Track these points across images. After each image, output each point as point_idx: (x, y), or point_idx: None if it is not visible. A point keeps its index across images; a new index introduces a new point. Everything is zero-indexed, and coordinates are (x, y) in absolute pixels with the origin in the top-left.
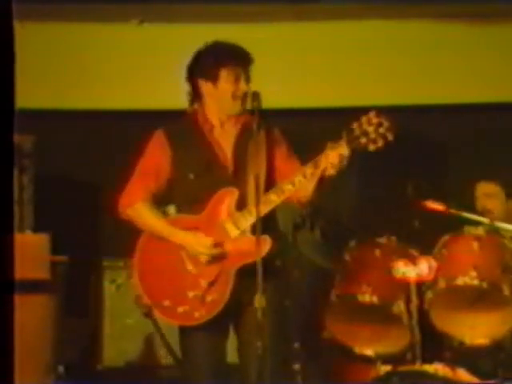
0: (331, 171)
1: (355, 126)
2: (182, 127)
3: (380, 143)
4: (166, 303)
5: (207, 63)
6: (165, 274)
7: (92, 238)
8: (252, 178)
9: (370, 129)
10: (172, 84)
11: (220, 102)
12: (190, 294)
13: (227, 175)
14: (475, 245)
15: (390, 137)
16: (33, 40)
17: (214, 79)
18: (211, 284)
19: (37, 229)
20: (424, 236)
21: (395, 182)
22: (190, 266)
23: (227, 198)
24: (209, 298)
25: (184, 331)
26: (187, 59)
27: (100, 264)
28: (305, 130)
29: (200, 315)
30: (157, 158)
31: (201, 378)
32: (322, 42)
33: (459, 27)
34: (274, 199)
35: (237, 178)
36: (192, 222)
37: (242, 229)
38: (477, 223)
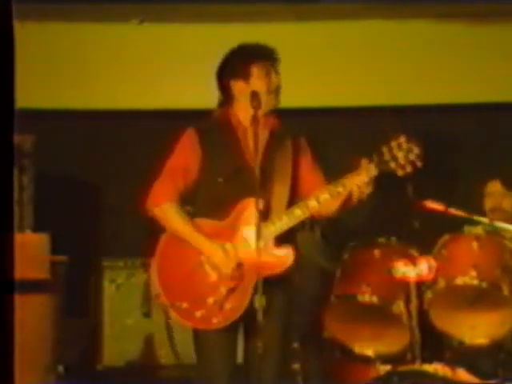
0: (359, 195)
1: (385, 149)
2: (214, 127)
3: (408, 169)
4: (184, 305)
5: (237, 63)
6: (184, 277)
7: (92, 238)
8: (277, 187)
9: (400, 154)
10: (172, 84)
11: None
12: (210, 300)
13: (254, 182)
14: (475, 245)
15: (419, 164)
16: (33, 40)
17: (245, 76)
18: (231, 291)
19: (37, 229)
20: (424, 236)
21: (395, 182)
22: (210, 272)
23: (251, 208)
24: (227, 306)
25: (199, 332)
26: (187, 59)
27: (100, 264)
28: (304, 129)
29: (218, 321)
30: (187, 157)
31: (217, 378)
32: (322, 42)
33: (459, 27)
34: (298, 214)
35: (263, 186)
36: (215, 228)
37: (265, 240)
38: (476, 223)
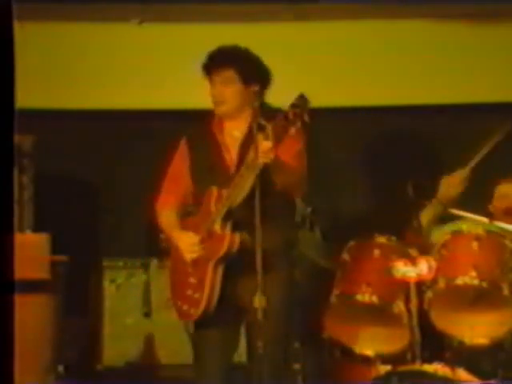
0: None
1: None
2: (201, 131)
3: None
4: (180, 304)
5: (206, 64)
6: (179, 275)
7: (92, 238)
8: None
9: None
10: (172, 84)
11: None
12: (188, 292)
13: (229, 178)
14: (475, 244)
15: (307, 118)
16: (33, 40)
17: (210, 79)
18: (200, 281)
19: (37, 229)
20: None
21: (395, 182)
22: (188, 266)
23: (213, 196)
24: (196, 295)
25: (196, 331)
26: (187, 59)
27: (100, 264)
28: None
29: (193, 312)
30: (182, 165)
31: (211, 377)
32: (322, 42)
33: (459, 27)
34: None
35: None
36: (191, 222)
37: (216, 223)
38: (477, 223)
